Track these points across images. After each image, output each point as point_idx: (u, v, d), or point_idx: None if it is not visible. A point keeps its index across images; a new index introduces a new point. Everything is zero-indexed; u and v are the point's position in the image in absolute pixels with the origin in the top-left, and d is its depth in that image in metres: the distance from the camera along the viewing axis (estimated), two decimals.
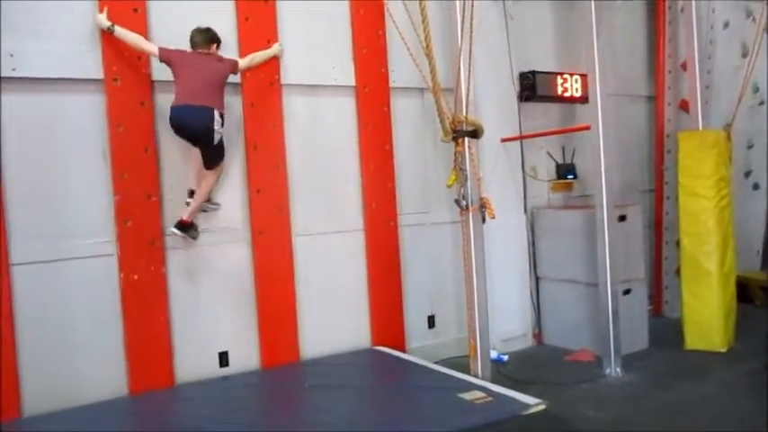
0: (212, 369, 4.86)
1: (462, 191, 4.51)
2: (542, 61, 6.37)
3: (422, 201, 5.88)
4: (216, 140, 4.41)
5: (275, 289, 5.08)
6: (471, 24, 4.21)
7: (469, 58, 4.26)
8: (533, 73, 6.16)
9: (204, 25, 4.60)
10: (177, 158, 4.71)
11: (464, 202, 4.49)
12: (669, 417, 4.35)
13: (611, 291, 5.21)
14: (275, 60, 5.05)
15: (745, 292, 7.03)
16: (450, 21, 4.61)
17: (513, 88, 6.10)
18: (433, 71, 4.38)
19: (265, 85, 5.01)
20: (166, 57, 4.36)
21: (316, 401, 4.23)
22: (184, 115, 4.30)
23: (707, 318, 5.68)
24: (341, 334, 5.40)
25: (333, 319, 5.39)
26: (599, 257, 5.22)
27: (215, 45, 4.60)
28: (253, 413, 4.16)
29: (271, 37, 5.04)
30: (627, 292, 5.65)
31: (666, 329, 6.31)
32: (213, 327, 4.89)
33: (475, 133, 4.45)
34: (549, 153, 6.58)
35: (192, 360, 4.76)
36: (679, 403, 4.58)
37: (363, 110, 5.50)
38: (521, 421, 3.72)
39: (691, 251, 5.74)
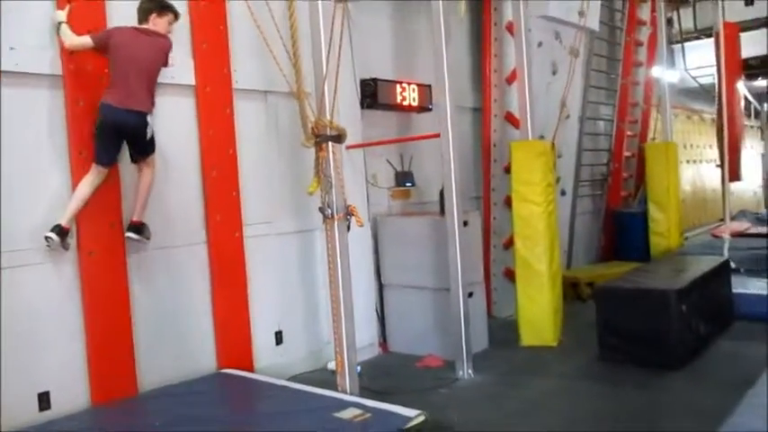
0: (30, 414, 4.07)
1: (327, 198, 4.30)
2: (380, 69, 6.40)
3: (266, 210, 5.55)
4: (148, 136, 4.27)
5: (107, 314, 4.41)
6: (343, 25, 4.03)
7: (338, 61, 4.06)
8: (375, 80, 6.15)
9: None
10: None
11: (329, 211, 4.28)
12: (530, 411, 4.58)
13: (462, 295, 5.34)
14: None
15: (576, 290, 7.74)
16: (311, 22, 4.38)
17: (356, 95, 6.02)
18: (298, 74, 4.15)
19: (93, 80, 4.34)
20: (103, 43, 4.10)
21: None
22: (123, 121, 4.13)
23: (538, 315, 6.09)
24: (183, 359, 4.88)
25: (174, 343, 4.85)
26: (450, 262, 5.33)
27: (153, 15, 4.25)
28: None
29: (99, 26, 4.38)
30: (470, 295, 5.83)
31: (499, 329, 6.65)
32: (30, 363, 4.10)
33: (338, 138, 4.27)
34: (388, 161, 6.62)
35: (4, 406, 3.93)
36: (533, 398, 4.84)
37: (204, 112, 5.05)
38: None
39: (523, 253, 6.11)
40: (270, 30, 4.69)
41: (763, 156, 17.79)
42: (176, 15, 4.40)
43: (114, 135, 4.20)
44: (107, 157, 4.19)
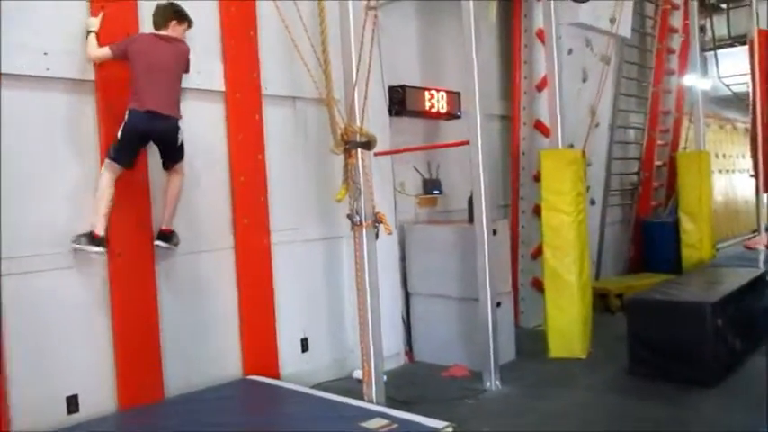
0: (59, 417, 4.09)
1: (355, 205, 4.27)
2: (408, 76, 6.36)
3: (293, 216, 5.54)
4: (179, 142, 4.30)
5: (135, 317, 4.43)
6: (374, 31, 4.01)
7: (369, 68, 4.04)
8: (403, 87, 6.12)
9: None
10: None
11: (357, 218, 4.25)
12: (559, 425, 4.49)
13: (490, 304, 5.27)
14: None
15: (605, 301, 7.60)
16: (341, 28, 4.37)
17: (384, 101, 5.99)
18: (327, 80, 4.14)
19: (124, 85, 4.36)
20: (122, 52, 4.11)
21: None
22: (156, 127, 4.14)
23: (567, 327, 5.97)
24: (209, 364, 4.88)
25: (200, 349, 4.85)
26: (479, 271, 5.26)
27: (174, 21, 4.25)
28: None
29: (130, 31, 4.42)
30: (498, 304, 5.75)
31: (526, 339, 6.54)
32: (59, 367, 4.13)
33: (368, 145, 4.24)
34: (415, 168, 6.58)
35: (33, 408, 3.96)
36: (561, 411, 4.75)
37: (233, 117, 5.07)
38: None
39: (553, 263, 6.01)
40: (299, 36, 4.68)
41: None
42: (190, 24, 4.42)
43: (143, 140, 4.22)
44: (128, 160, 4.18)
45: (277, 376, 5.14)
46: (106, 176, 4.12)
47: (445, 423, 3.74)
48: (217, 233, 5.01)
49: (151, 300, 4.52)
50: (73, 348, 4.20)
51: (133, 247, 4.41)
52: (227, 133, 5.05)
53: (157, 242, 4.43)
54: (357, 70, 4.08)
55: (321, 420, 3.90)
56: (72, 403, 4.17)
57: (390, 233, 4.45)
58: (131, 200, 4.40)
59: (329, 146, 4.46)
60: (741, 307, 5.59)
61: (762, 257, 7.40)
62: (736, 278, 6.06)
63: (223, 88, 5.00)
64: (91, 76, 4.27)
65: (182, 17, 4.36)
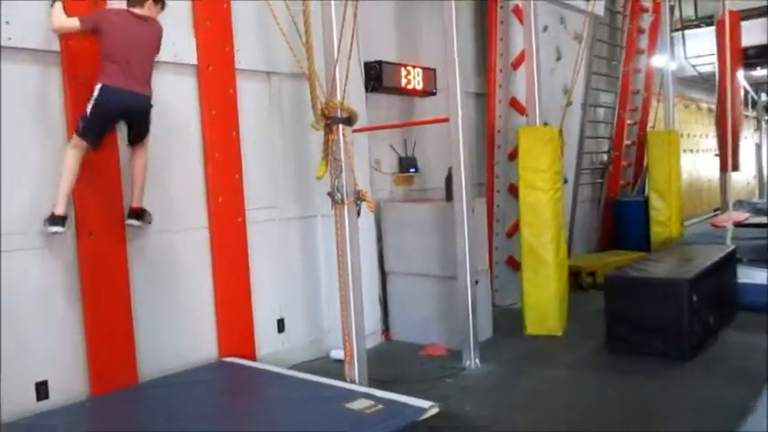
0: (28, 404, 3.92)
1: (337, 183, 4.15)
2: (384, 52, 6.23)
3: (269, 195, 5.42)
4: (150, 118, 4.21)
5: (106, 300, 4.26)
6: (356, 6, 3.88)
7: (351, 42, 3.90)
8: (380, 63, 5.99)
9: None
10: None
11: (338, 195, 4.14)
12: (541, 402, 4.49)
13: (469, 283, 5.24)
14: None
15: (577, 278, 7.65)
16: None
17: (360, 77, 5.85)
18: (309, 53, 4.00)
19: (91, 56, 4.15)
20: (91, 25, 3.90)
21: None
22: (132, 105, 4.03)
23: (544, 304, 5.99)
24: (184, 347, 4.75)
25: (175, 331, 4.72)
26: (458, 250, 5.22)
27: (151, 1, 4.06)
28: None
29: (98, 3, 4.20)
30: (476, 283, 5.72)
31: (502, 317, 6.55)
32: (28, 352, 3.96)
33: (349, 120, 4.12)
34: (391, 146, 6.48)
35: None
36: (543, 387, 4.77)
37: (207, 92, 4.89)
38: (421, 427, 3.50)
39: (530, 241, 6.00)
40: (278, 8, 4.52)
41: (757, 146, 17.83)
42: (164, 6, 4.22)
43: (115, 119, 4.08)
44: (96, 139, 3.99)
45: (253, 357, 5.05)
46: (74, 154, 3.91)
47: (431, 403, 3.69)
48: (190, 212, 4.85)
49: (123, 281, 4.35)
50: (42, 332, 4.03)
51: (104, 226, 4.23)
52: (200, 108, 4.88)
53: (129, 221, 4.27)
54: (339, 43, 3.94)
55: (305, 402, 3.81)
56: (41, 390, 4.01)
57: (373, 211, 4.36)
58: (102, 178, 4.22)
59: (307, 122, 4.33)
60: (714, 283, 5.68)
61: (729, 235, 7.53)
62: (709, 255, 6.15)
63: (195, 62, 4.81)
64: (56, 46, 4.05)
65: None
